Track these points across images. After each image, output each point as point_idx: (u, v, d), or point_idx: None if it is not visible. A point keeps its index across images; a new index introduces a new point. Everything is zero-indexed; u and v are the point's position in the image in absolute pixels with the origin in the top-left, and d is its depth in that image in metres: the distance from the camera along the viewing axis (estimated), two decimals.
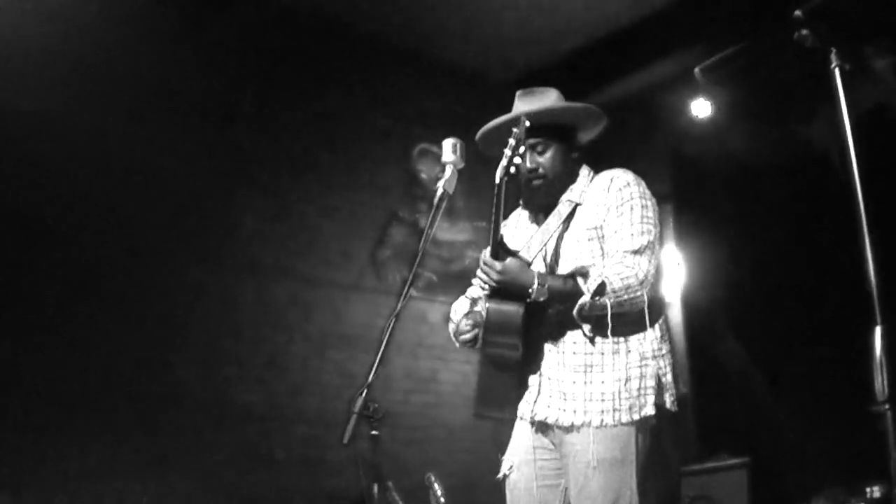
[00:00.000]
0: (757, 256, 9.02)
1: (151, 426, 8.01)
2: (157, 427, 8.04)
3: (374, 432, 5.07)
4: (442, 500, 7.15)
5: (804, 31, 3.33)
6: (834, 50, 3.33)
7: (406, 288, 4.40)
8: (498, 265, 4.28)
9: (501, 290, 4.35)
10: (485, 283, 4.37)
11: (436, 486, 7.21)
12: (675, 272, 9.98)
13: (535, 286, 4.23)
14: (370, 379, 4.15)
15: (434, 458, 8.98)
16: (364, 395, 4.11)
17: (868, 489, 6.87)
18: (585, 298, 4.18)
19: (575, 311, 4.23)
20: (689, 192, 10.02)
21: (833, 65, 3.32)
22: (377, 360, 4.19)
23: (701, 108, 9.30)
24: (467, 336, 4.62)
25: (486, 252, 4.38)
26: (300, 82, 9.50)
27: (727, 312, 9.48)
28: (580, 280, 4.29)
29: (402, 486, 6.94)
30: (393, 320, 4.30)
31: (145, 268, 8.25)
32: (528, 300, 4.26)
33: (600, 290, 4.17)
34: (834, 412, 7.78)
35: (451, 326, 4.85)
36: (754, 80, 8.14)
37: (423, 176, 9.53)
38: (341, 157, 9.70)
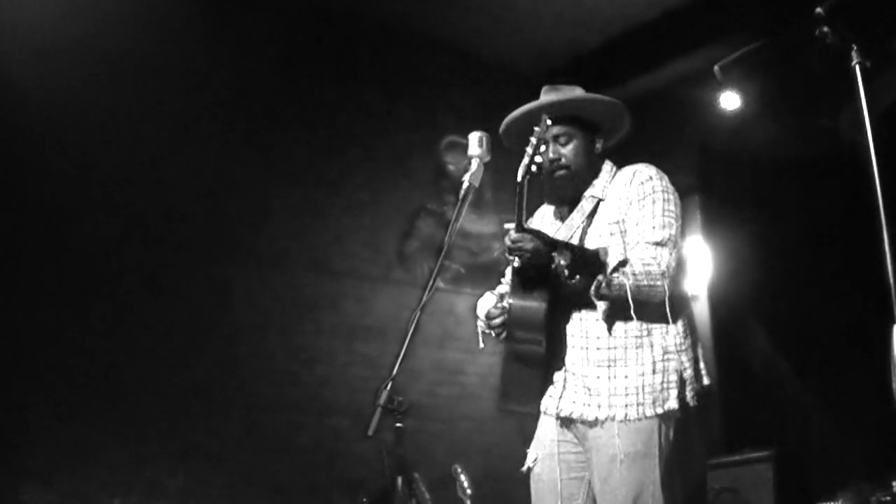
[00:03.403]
0: (784, 249, 9.00)
1: (180, 417, 8.07)
2: (186, 418, 8.10)
3: (398, 425, 5.09)
4: (468, 491, 7.18)
5: (825, 29, 3.34)
6: (855, 47, 3.33)
7: (432, 280, 4.42)
8: (529, 244, 4.24)
9: (528, 264, 4.35)
10: (512, 251, 4.34)
11: (462, 477, 7.23)
12: (701, 264, 9.96)
13: (559, 253, 4.19)
14: (395, 371, 4.18)
15: (461, 450, 9.01)
16: (389, 387, 4.13)
17: (894, 483, 6.85)
18: (605, 273, 4.19)
19: (593, 287, 4.22)
20: (716, 184, 9.99)
21: (854, 62, 3.33)
22: (402, 353, 4.21)
23: (729, 100, 9.25)
24: (498, 320, 4.62)
25: (512, 228, 4.33)
26: (328, 75, 9.52)
27: (753, 305, 9.46)
28: (602, 254, 4.29)
29: (428, 477, 6.97)
30: (418, 313, 4.32)
31: (174, 260, 8.30)
32: (553, 265, 4.24)
33: (620, 266, 4.18)
34: (861, 406, 7.77)
35: (479, 323, 4.85)
36: (776, 76, 8.12)
37: (451, 168, 9.55)
38: (369, 149, 9.73)
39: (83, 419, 7.57)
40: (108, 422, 7.67)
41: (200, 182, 8.51)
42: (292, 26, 9.26)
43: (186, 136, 8.43)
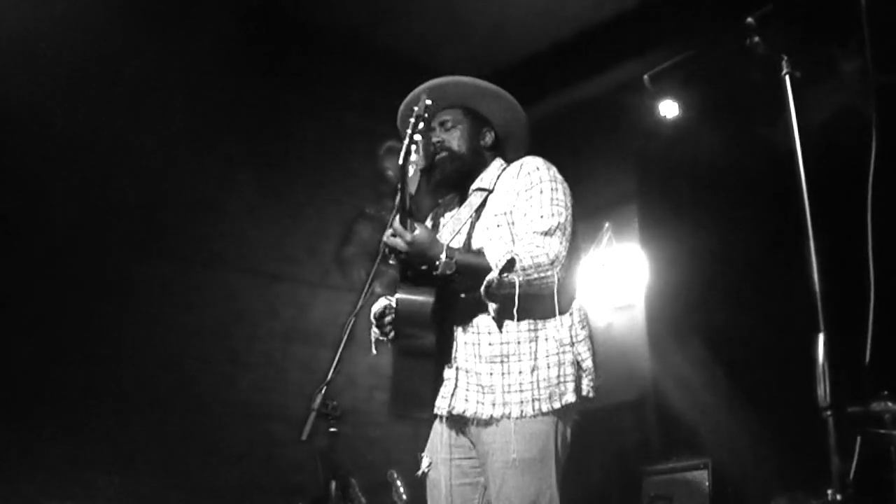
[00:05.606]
0: (721, 258, 9.01)
1: (116, 420, 8.03)
2: (122, 421, 8.06)
3: (332, 430, 5.09)
4: (404, 496, 7.19)
5: (756, 39, 3.35)
6: (785, 57, 3.35)
7: (367, 285, 4.39)
8: (408, 235, 4.19)
9: (409, 263, 4.29)
10: (392, 251, 4.28)
11: (398, 482, 7.24)
12: (639, 273, 9.97)
13: (443, 258, 4.13)
14: (329, 376, 4.16)
15: (397, 456, 8.99)
16: (323, 392, 4.11)
17: (829, 491, 6.87)
18: (493, 274, 4.07)
19: (482, 288, 4.13)
20: (654, 192, 10.00)
21: (784, 72, 3.34)
22: (337, 358, 4.19)
23: (668, 108, 9.26)
24: (386, 319, 4.57)
25: (396, 219, 4.28)
26: (268, 79, 9.49)
27: (690, 313, 9.46)
28: (489, 256, 4.23)
29: (365, 482, 6.96)
30: (353, 318, 4.30)
31: (109, 262, 8.24)
32: (435, 272, 4.17)
33: (509, 265, 4.07)
34: (797, 414, 7.79)
35: (373, 329, 4.75)
36: (711, 85, 8.16)
37: (391, 174, 9.54)
38: (308, 153, 9.71)
39: (19, 421, 7.52)
40: (44, 425, 7.63)
41: (135, 184, 8.45)
42: (232, 31, 9.20)
43: (123, 138, 8.37)
